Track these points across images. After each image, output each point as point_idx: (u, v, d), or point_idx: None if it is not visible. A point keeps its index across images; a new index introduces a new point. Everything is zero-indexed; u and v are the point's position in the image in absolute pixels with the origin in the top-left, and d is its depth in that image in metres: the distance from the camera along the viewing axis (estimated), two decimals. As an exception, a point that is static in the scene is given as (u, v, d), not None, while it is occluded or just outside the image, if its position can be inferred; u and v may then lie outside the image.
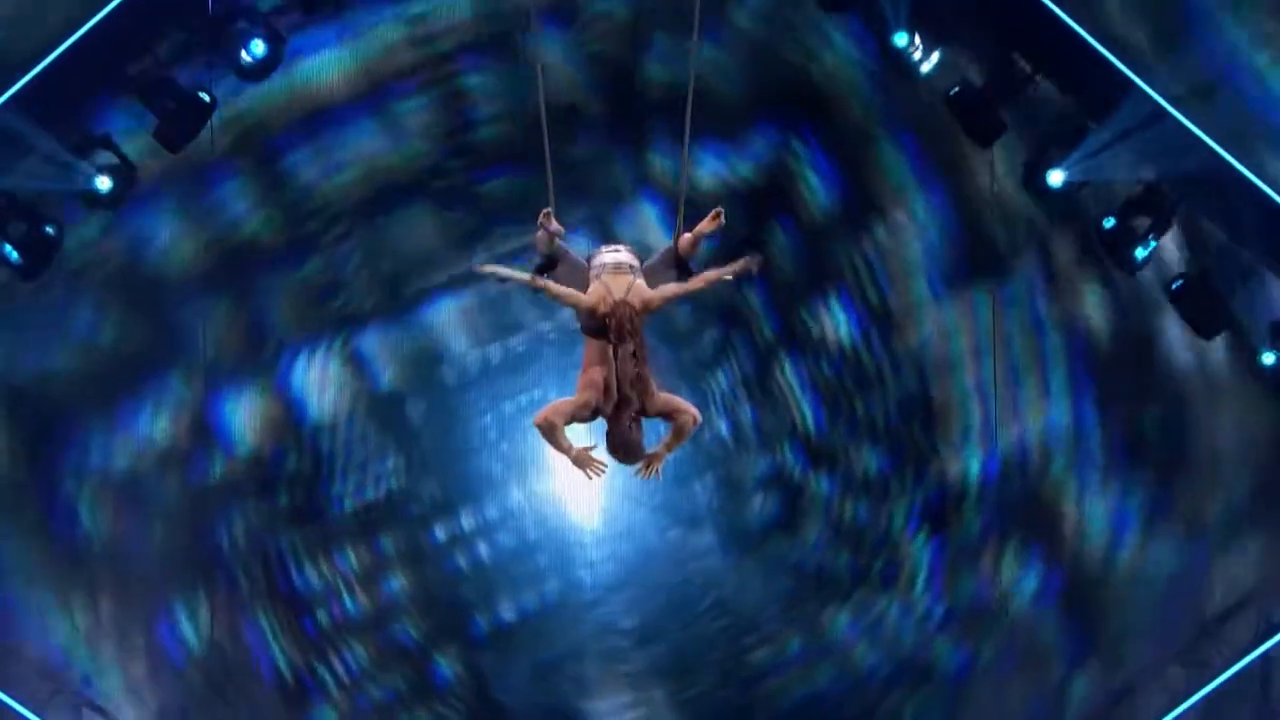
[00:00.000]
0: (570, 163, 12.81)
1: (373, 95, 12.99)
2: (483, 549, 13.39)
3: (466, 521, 13.38)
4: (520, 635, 13.38)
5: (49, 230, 12.30)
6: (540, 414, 7.50)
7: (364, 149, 13.06)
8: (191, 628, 12.86)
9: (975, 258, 13.17)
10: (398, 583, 13.36)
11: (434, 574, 13.36)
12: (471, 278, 12.90)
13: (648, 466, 7.63)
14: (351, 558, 13.26)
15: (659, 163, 13.23)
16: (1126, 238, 12.54)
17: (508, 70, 13.05)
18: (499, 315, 13.30)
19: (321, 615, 13.17)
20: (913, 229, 13.41)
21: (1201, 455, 13.10)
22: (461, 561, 13.38)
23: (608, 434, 7.54)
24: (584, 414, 7.52)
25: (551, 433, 7.47)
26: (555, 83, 12.73)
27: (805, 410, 13.66)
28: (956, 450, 13.42)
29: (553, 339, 13.18)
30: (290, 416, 13.21)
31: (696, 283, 7.73)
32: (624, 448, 7.54)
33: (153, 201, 12.76)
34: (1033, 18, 12.10)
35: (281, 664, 13.01)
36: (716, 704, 13.34)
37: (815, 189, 13.52)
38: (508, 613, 13.40)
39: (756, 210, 13.24)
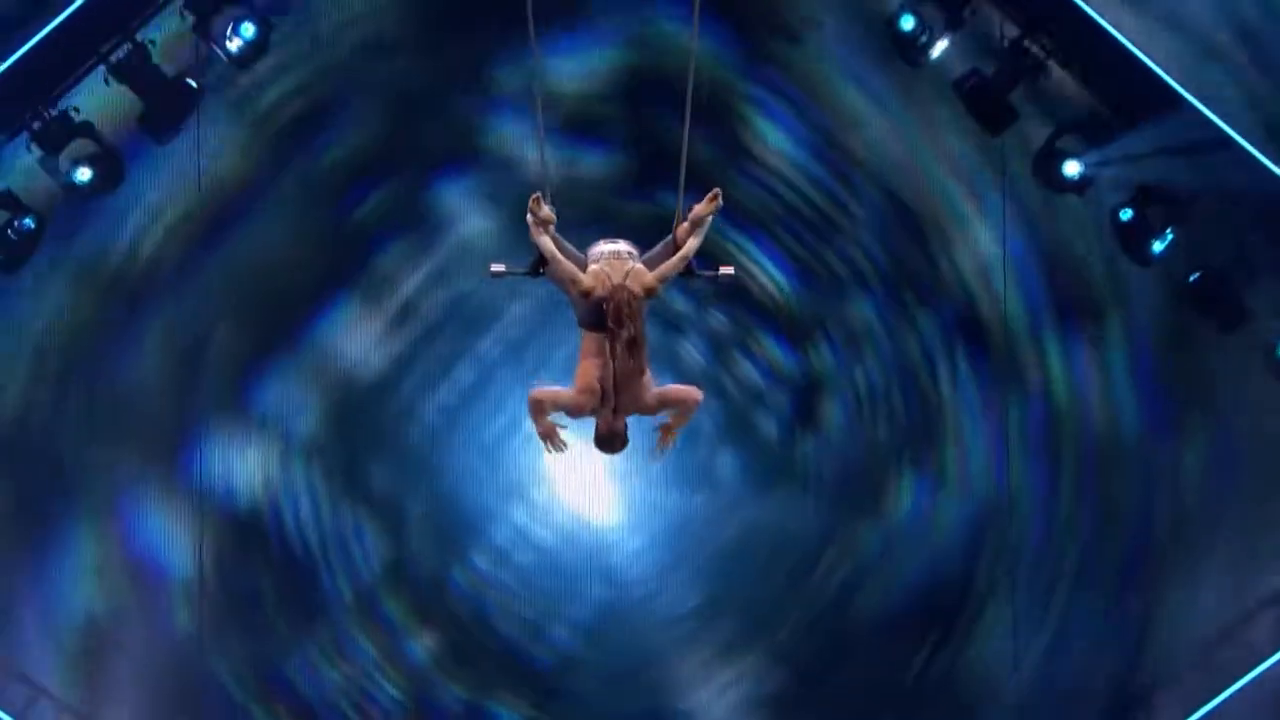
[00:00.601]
0: (410, 108, 12.57)
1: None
2: (509, 579, 12.93)
3: (480, 560, 12.92)
4: (584, 654, 12.91)
5: (29, 223, 12.26)
6: (538, 391, 7.68)
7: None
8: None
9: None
10: (426, 650, 12.89)
11: (465, 626, 12.87)
12: (394, 324, 12.78)
13: (663, 439, 7.91)
14: (368, 645, 12.79)
15: (504, 72, 12.64)
16: (1143, 230, 12.55)
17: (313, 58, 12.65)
18: (435, 348, 12.86)
19: (354, 716, 12.75)
20: (822, 39, 12.73)
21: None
22: (491, 601, 12.91)
23: (596, 429, 7.74)
24: (576, 413, 7.70)
25: (538, 411, 7.68)
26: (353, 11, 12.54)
27: (776, 286, 13.00)
28: (961, 252, 12.86)
29: (498, 356, 12.84)
30: (242, 523, 12.68)
31: (683, 253, 7.77)
32: (610, 440, 7.77)
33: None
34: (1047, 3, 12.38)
35: (324, 787, 12.81)
36: (819, 641, 12.84)
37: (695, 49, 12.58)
38: (562, 636, 12.93)
39: (640, 98, 12.65)
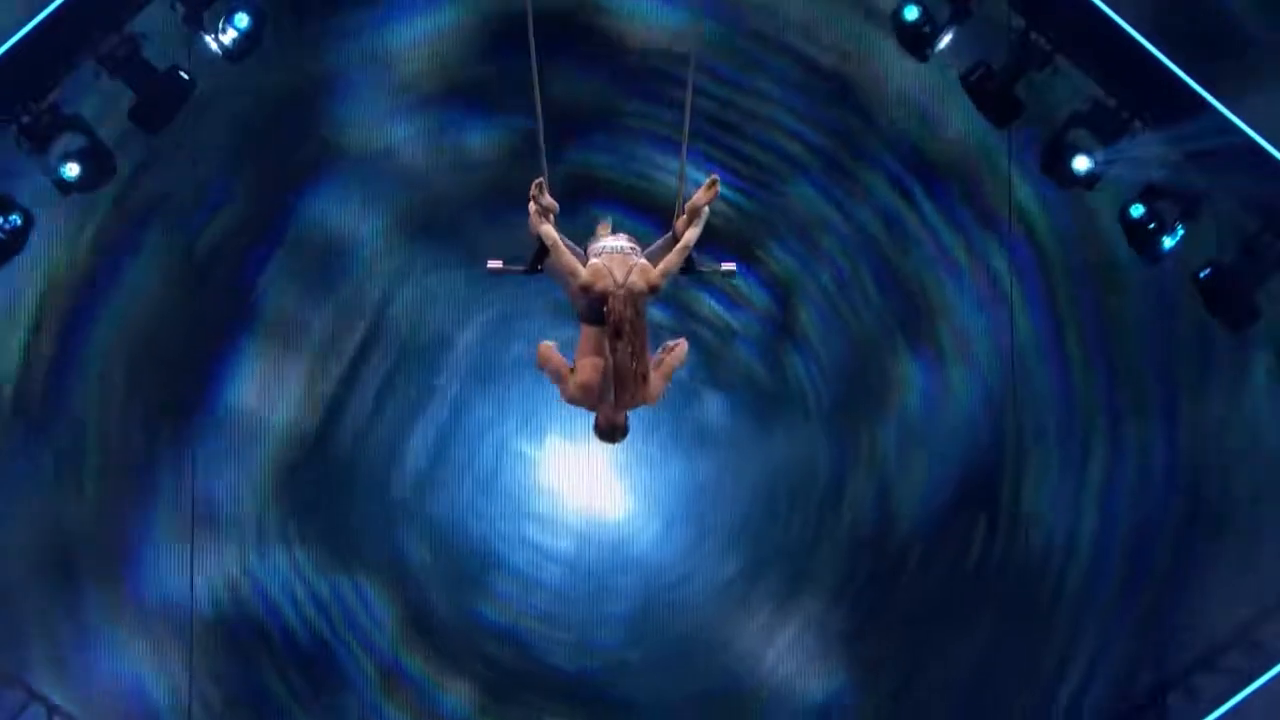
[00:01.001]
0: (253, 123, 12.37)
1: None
2: (538, 600, 12.73)
3: (504, 587, 12.68)
4: (639, 650, 12.71)
5: (16, 220, 12.27)
6: (550, 350, 7.76)
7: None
8: None
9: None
10: (471, 697, 12.61)
11: (505, 659, 12.66)
12: (347, 378, 12.64)
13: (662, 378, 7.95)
14: (403, 711, 12.58)
15: (341, 53, 12.38)
16: (1154, 226, 12.51)
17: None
18: (401, 387, 12.67)
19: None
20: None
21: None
22: (526, 628, 12.71)
23: (596, 421, 7.84)
24: (570, 402, 7.82)
25: (541, 359, 7.82)
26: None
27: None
28: (893, 95, 12.50)
29: (459, 390, 12.64)
30: (233, 628, 12.43)
31: (684, 244, 7.81)
32: (610, 433, 7.85)
33: None
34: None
35: None
36: (869, 566, 12.64)
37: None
38: (612, 638, 12.72)
39: (503, 47, 12.14)
